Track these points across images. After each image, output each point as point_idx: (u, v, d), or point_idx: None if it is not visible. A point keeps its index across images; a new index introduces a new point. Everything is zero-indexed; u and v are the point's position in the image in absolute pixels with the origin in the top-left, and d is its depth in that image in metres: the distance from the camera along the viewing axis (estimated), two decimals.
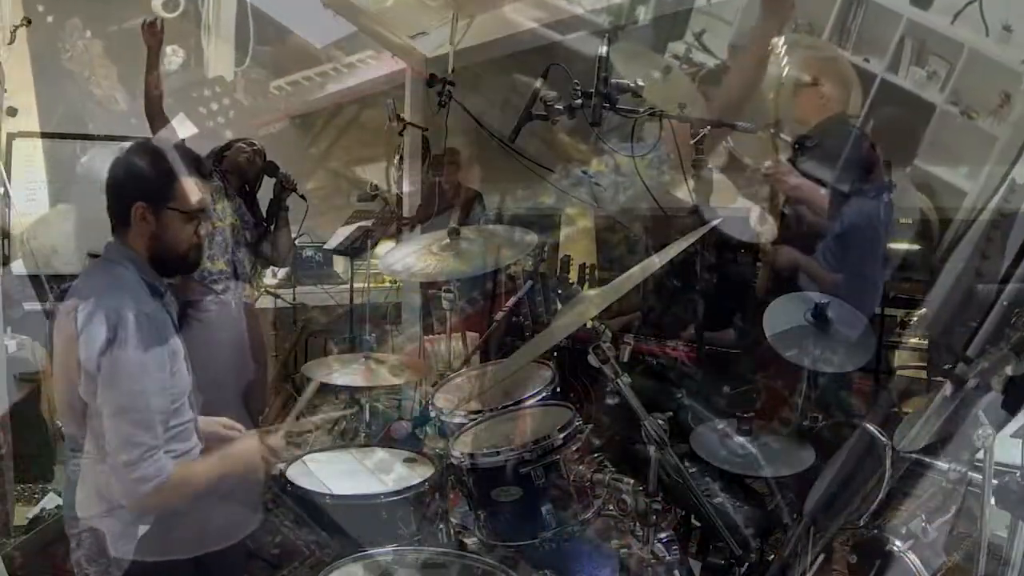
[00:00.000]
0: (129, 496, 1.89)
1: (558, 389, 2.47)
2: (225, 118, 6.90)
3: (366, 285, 4.80)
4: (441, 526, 2.22)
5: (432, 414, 2.45)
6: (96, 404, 1.89)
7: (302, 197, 4.05)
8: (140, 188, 2.01)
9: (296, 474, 2.33)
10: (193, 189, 2.02)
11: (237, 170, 3.72)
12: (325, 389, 2.70)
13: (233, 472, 2.09)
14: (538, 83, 2.36)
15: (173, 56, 5.45)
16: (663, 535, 1.77)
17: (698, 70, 4.75)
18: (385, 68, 6.70)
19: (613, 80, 2.23)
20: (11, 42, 3.82)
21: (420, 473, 2.36)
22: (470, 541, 2.22)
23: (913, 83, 4.00)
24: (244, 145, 3.77)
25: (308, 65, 7.44)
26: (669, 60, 4.71)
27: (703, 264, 2.78)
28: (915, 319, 3.98)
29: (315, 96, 7.27)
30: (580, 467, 1.97)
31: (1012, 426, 1.92)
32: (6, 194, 4.15)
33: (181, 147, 2.10)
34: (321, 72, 7.39)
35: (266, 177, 3.93)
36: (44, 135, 5.47)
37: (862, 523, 2.15)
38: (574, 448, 1.99)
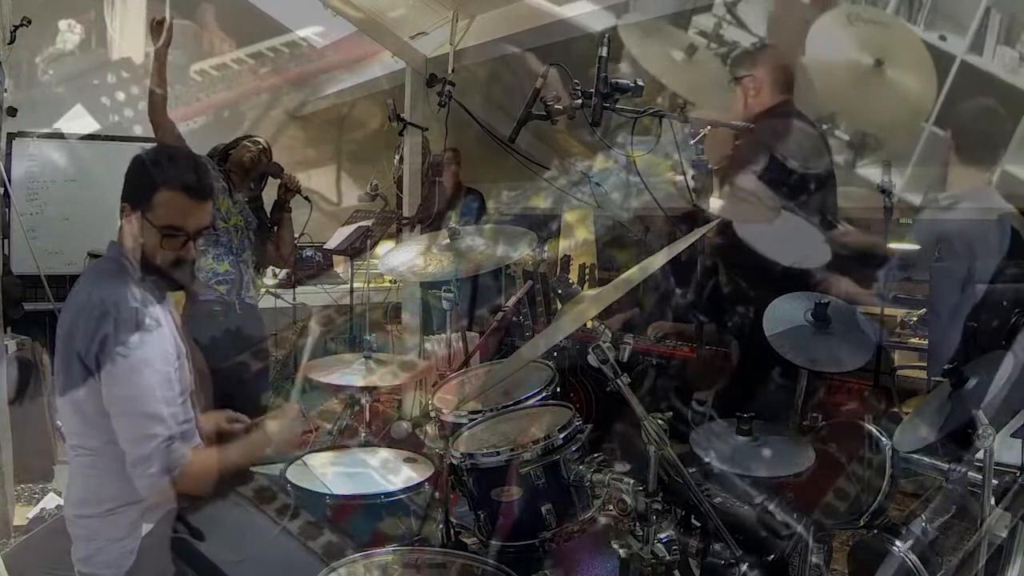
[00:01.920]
0: (150, 489, 1.91)
1: (558, 389, 2.47)
2: (133, 110, 5.72)
3: (366, 285, 4.81)
4: (441, 526, 2.22)
5: (432, 414, 2.45)
6: (100, 402, 1.90)
7: (306, 199, 4.05)
8: (128, 188, 2.04)
9: (296, 474, 2.33)
10: (183, 209, 2.00)
11: (241, 169, 3.71)
12: (324, 389, 2.70)
13: (249, 460, 2.11)
14: (538, 82, 2.36)
15: (68, 33, 4.36)
16: (663, 535, 1.77)
17: (730, 50, 3.89)
18: (337, 50, 5.78)
19: (613, 80, 2.23)
20: (11, 42, 3.82)
21: (420, 473, 2.36)
22: (470, 541, 2.22)
23: (1001, 67, 3.21)
24: (250, 144, 3.76)
25: (239, 44, 6.18)
26: (694, 37, 3.87)
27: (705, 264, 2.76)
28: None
29: (250, 84, 6.16)
30: (580, 467, 1.97)
31: (1012, 426, 1.92)
32: (6, 194, 4.15)
33: (193, 164, 2.06)
34: (255, 54, 6.22)
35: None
36: (44, 135, 5.47)
37: (862, 523, 2.15)
38: (574, 448, 1.99)
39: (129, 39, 5.61)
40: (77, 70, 5.23)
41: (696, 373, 2.83)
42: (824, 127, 2.95)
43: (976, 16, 3.18)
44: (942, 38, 3.27)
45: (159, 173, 2.01)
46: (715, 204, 2.75)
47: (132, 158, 2.06)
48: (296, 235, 4.11)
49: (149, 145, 2.36)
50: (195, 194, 2.02)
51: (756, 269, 2.67)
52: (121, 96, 5.69)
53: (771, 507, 2.14)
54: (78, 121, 5.05)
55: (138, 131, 5.59)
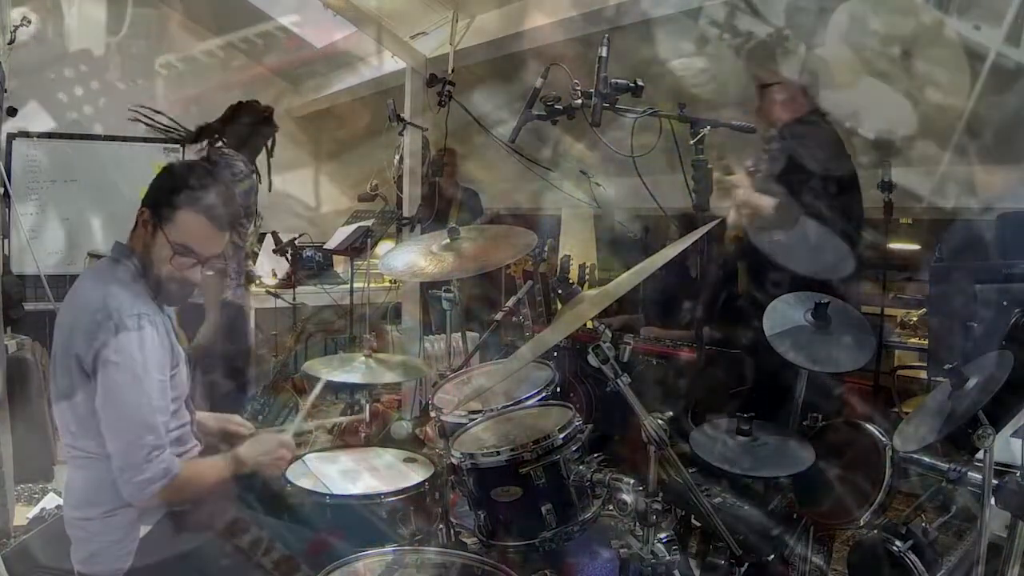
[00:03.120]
0: (136, 497, 1.90)
1: (558, 389, 2.47)
2: (94, 107, 5.46)
3: (366, 285, 4.80)
4: (441, 526, 2.22)
5: (432, 414, 2.45)
6: (95, 404, 1.89)
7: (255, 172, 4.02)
8: (152, 195, 2.02)
9: (296, 474, 2.33)
10: (202, 234, 1.99)
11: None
12: (325, 388, 2.71)
13: (240, 472, 2.11)
14: (538, 83, 2.36)
15: (22, 24, 3.85)
16: (663, 535, 1.77)
17: (746, 41, 3.48)
18: (334, 49, 5.56)
19: (613, 80, 2.23)
20: (11, 42, 3.82)
21: (420, 473, 2.36)
22: (470, 541, 2.22)
23: None
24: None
25: (209, 35, 5.86)
26: (704, 27, 3.57)
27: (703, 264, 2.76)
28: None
29: (220, 78, 5.83)
30: (580, 467, 1.97)
31: (1012, 426, 1.92)
32: (6, 194, 4.15)
33: (224, 192, 2.04)
34: (226, 45, 5.94)
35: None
36: (44, 135, 5.46)
37: (862, 523, 2.14)
38: (574, 448, 1.99)
39: (88, 29, 5.29)
40: (32, 63, 4.87)
41: (708, 392, 2.78)
42: (846, 125, 2.79)
43: (1013, 4, 2.76)
44: (976, 28, 2.84)
45: (188, 192, 1.98)
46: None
47: (164, 166, 2.05)
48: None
49: (150, 145, 2.34)
50: (218, 223, 2.01)
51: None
52: (80, 91, 5.42)
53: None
54: (33, 119, 4.87)
55: (98, 129, 5.40)
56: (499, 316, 3.19)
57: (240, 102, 3.85)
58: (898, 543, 2.02)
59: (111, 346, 1.86)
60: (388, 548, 1.95)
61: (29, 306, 4.48)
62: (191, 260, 2.00)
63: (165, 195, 2.00)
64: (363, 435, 2.92)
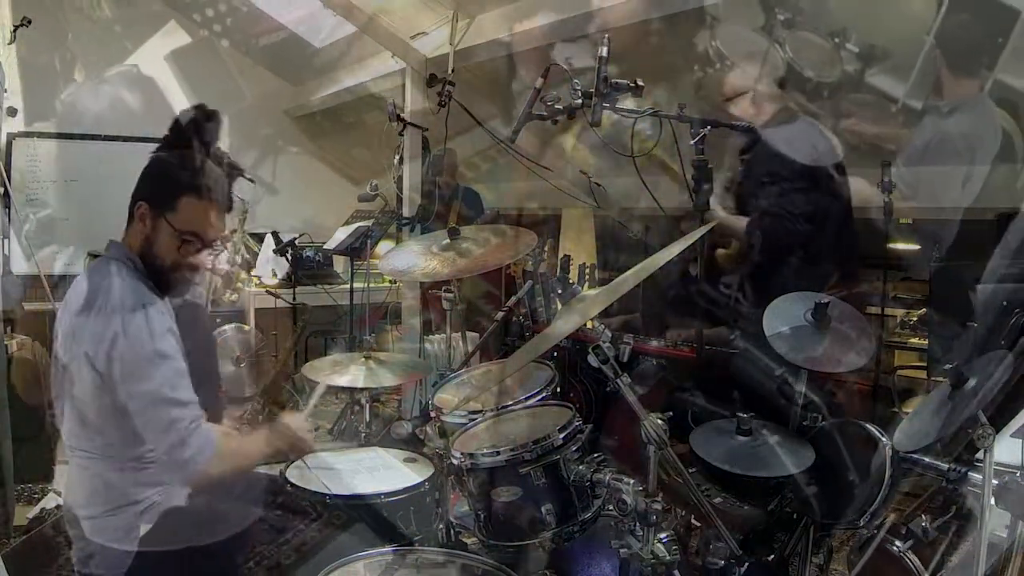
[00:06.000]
0: (186, 475, 1.91)
1: (558, 389, 2.47)
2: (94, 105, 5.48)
3: (366, 285, 4.80)
4: (441, 526, 2.22)
5: (432, 414, 2.46)
6: (103, 403, 1.89)
7: (251, 180, 3.99)
8: (149, 188, 2.02)
9: (296, 474, 2.33)
10: (201, 215, 1.99)
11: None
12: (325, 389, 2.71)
13: (277, 449, 2.12)
14: (538, 83, 2.36)
15: (22, 24, 3.79)
16: (663, 535, 1.77)
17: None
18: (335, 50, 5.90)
19: (613, 79, 2.23)
20: (11, 42, 3.82)
21: (420, 473, 2.36)
22: (470, 541, 2.22)
23: None
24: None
25: (209, 34, 5.90)
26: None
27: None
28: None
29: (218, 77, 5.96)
30: (580, 467, 1.97)
31: (1012, 426, 1.92)
32: (6, 194, 4.15)
33: (224, 173, 2.05)
34: (226, 44, 6.08)
35: None
36: (44, 135, 5.46)
37: (862, 523, 2.14)
38: (574, 448, 1.99)
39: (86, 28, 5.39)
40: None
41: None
42: (835, 40, 3.14)
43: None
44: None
45: (189, 178, 1.99)
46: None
47: (153, 158, 2.05)
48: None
49: (151, 145, 2.31)
50: (223, 204, 2.03)
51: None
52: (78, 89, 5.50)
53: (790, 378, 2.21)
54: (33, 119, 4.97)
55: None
56: (500, 316, 3.20)
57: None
58: (898, 543, 2.02)
59: (122, 341, 1.86)
60: (388, 548, 1.95)
61: (29, 306, 4.48)
62: (197, 245, 2.01)
63: (162, 185, 2.00)
64: (363, 435, 2.92)
